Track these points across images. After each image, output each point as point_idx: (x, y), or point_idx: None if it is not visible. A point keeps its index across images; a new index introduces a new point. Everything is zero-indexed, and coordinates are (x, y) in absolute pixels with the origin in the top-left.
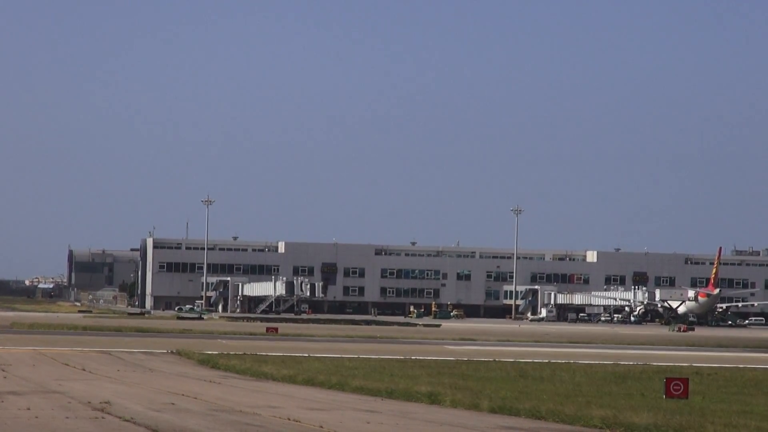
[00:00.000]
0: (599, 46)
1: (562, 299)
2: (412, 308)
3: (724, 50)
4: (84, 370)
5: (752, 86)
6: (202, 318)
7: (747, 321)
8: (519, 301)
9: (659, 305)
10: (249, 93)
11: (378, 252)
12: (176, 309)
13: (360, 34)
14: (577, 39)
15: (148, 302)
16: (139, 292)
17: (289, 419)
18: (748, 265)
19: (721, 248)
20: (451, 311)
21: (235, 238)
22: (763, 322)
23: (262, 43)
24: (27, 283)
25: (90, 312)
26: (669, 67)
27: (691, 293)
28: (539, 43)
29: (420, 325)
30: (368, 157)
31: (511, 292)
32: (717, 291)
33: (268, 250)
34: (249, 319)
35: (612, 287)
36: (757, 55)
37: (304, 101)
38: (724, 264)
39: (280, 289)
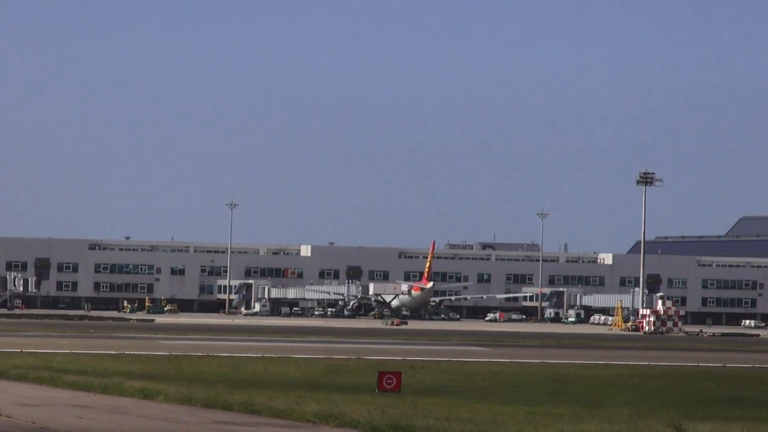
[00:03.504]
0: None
1: (276, 293)
2: (126, 303)
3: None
4: None
5: (480, 79)
6: None
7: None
8: (233, 296)
9: (373, 299)
10: None
11: (92, 247)
12: None
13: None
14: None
15: None
16: None
17: (1, 415)
18: (461, 258)
19: (434, 242)
20: (165, 306)
21: None
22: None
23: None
24: None
25: None
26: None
27: (404, 287)
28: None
29: (134, 320)
30: (80, 151)
31: (225, 286)
32: (430, 285)
33: None
34: None
35: (326, 281)
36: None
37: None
38: (438, 258)
39: None
